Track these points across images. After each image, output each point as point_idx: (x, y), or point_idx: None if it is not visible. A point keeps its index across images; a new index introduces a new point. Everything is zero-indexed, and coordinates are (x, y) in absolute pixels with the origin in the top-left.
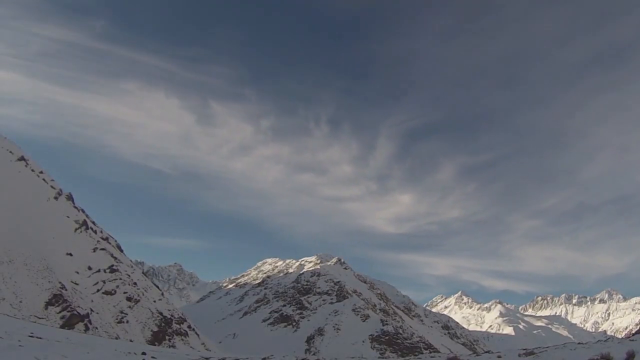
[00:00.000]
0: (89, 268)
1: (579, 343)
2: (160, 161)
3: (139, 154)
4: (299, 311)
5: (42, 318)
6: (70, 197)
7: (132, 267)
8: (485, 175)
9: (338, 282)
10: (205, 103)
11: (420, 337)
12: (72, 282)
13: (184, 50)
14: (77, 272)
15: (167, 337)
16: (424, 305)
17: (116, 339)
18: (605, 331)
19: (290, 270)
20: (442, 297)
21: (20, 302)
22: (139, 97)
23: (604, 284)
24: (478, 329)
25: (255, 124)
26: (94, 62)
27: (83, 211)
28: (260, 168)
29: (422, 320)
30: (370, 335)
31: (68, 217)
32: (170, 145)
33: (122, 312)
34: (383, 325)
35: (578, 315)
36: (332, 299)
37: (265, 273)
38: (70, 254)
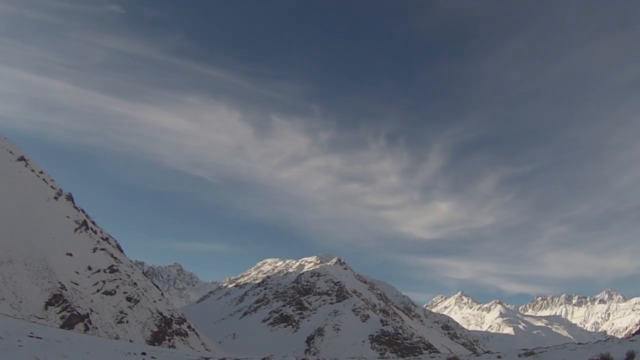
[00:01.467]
0: (89, 268)
1: (578, 343)
2: (205, 170)
3: (184, 163)
4: (298, 311)
5: (42, 318)
6: (70, 197)
7: (132, 267)
8: (523, 185)
9: (338, 282)
10: (267, 117)
11: (420, 337)
12: (72, 282)
13: (253, 66)
14: (77, 272)
15: (167, 337)
16: (424, 306)
17: (116, 339)
18: (605, 331)
19: (290, 271)
20: (442, 297)
21: (20, 302)
22: (200, 109)
23: (616, 286)
24: (478, 329)
25: (314, 137)
26: (159, 75)
27: (83, 211)
28: (308, 178)
29: (422, 321)
30: (370, 335)
31: (68, 217)
32: (221, 155)
33: (122, 312)
34: (383, 326)
35: (578, 316)
36: (332, 299)
37: (265, 273)
38: (70, 254)
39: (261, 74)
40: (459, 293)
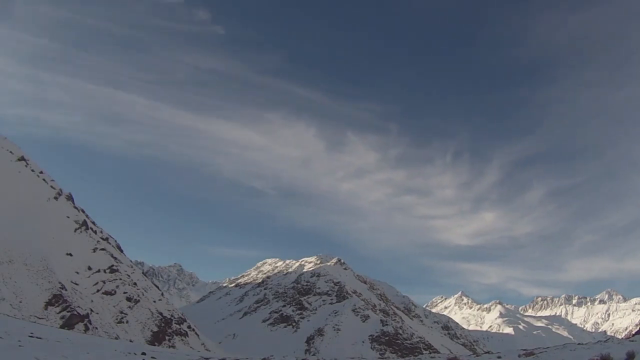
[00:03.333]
0: (89, 268)
1: (579, 343)
2: (263, 181)
3: (243, 174)
4: (298, 311)
5: (42, 318)
6: (70, 197)
7: (132, 267)
8: (567, 196)
9: (338, 282)
10: (343, 133)
11: (420, 337)
12: (72, 282)
13: (338, 85)
14: (77, 272)
15: (167, 338)
16: (424, 306)
17: (116, 339)
18: (605, 332)
19: (290, 271)
20: (442, 297)
21: (20, 302)
22: (278, 125)
23: (635, 286)
24: (478, 329)
25: (384, 153)
26: (242, 92)
27: (83, 211)
28: (367, 189)
29: (422, 321)
30: (370, 335)
31: (68, 217)
32: (285, 167)
33: (122, 312)
34: (383, 326)
35: (578, 316)
36: (332, 299)
37: (265, 273)
38: (70, 254)
39: (345, 94)
40: (459, 293)
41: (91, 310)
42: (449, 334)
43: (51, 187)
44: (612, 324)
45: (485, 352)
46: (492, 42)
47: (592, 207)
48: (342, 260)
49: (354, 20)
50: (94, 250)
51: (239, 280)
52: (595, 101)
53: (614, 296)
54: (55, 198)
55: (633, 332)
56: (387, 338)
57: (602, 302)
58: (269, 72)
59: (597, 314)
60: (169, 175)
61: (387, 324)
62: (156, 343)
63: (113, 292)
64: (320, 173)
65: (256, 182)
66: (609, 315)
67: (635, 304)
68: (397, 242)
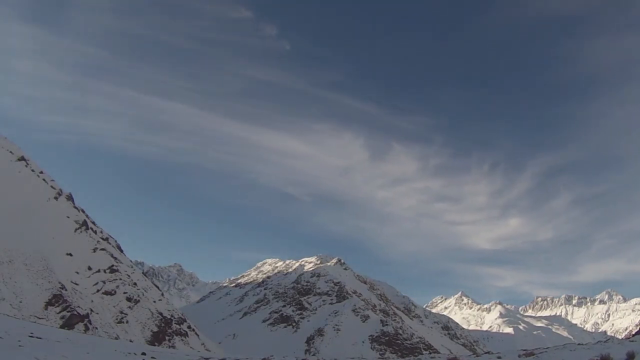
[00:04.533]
0: (89, 268)
1: (579, 344)
2: (299, 188)
3: (280, 181)
4: (299, 312)
5: (42, 318)
6: (70, 197)
7: (132, 267)
8: (590, 204)
9: (338, 282)
10: (388, 143)
11: (420, 337)
12: (72, 282)
13: (389, 98)
14: (77, 272)
15: (167, 338)
16: (424, 306)
17: (116, 339)
18: (605, 332)
19: (290, 271)
20: (442, 297)
21: (20, 302)
22: (326, 135)
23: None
24: (478, 329)
25: (424, 162)
26: (296, 104)
27: (83, 211)
28: (402, 196)
29: (422, 321)
30: (370, 335)
31: (68, 217)
32: (325, 176)
33: (122, 313)
34: (383, 326)
35: (578, 316)
36: (332, 299)
37: (265, 273)
38: (70, 254)
39: (395, 107)
40: (459, 293)
41: (91, 310)
42: (449, 334)
43: (51, 187)
44: (612, 324)
45: (485, 353)
46: (539, 63)
47: (612, 214)
48: (342, 261)
49: (411, 40)
50: (94, 250)
51: (239, 281)
52: (628, 118)
53: (614, 296)
54: (55, 198)
55: (633, 333)
56: (387, 338)
57: (602, 302)
58: (325, 85)
59: (597, 314)
60: (202, 181)
61: (387, 324)
62: (156, 343)
63: (113, 292)
64: (360, 181)
65: (292, 188)
66: (609, 315)
67: (635, 304)
68: (421, 246)
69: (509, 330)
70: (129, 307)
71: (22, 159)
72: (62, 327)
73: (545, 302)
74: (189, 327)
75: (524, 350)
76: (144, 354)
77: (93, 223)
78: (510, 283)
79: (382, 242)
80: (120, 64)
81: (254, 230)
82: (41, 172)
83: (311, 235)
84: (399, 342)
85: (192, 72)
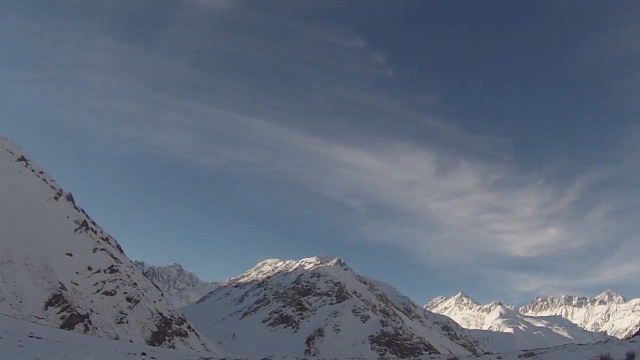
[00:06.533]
0: (89, 268)
1: (579, 344)
2: (359, 200)
3: (342, 193)
4: (298, 312)
5: (42, 318)
6: (70, 197)
7: (132, 267)
8: (623, 215)
9: (338, 283)
10: (457, 161)
11: (420, 338)
12: (72, 282)
13: (469, 119)
14: (77, 273)
15: (167, 338)
16: (424, 307)
17: (116, 339)
18: (605, 332)
19: (290, 271)
20: (442, 298)
21: (20, 302)
22: (401, 152)
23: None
24: (478, 329)
25: (484, 178)
26: (382, 125)
27: (83, 211)
28: (457, 208)
29: (422, 321)
30: (370, 336)
31: (68, 217)
32: (388, 189)
33: (122, 313)
34: (383, 326)
35: (578, 317)
36: (332, 299)
37: (265, 274)
38: (70, 254)
39: (470, 127)
40: (460, 294)
41: (91, 310)
42: (449, 334)
43: (51, 187)
44: (612, 325)
45: (485, 353)
46: (603, 91)
47: None
48: (342, 261)
49: (499, 70)
50: (94, 250)
51: (239, 281)
52: None
53: (614, 297)
54: (55, 198)
55: (633, 333)
56: (387, 338)
57: (602, 302)
58: (415, 108)
59: (597, 314)
60: (261, 191)
61: (387, 325)
62: (156, 343)
63: (113, 292)
64: (419, 194)
65: (351, 200)
66: (609, 315)
67: (635, 304)
68: (459, 252)
69: (509, 330)
70: (129, 307)
71: (22, 159)
72: (62, 327)
73: (545, 303)
74: (188, 327)
75: (524, 350)
76: (144, 354)
77: (93, 223)
78: (532, 288)
79: (422, 248)
80: (203, 80)
81: (297, 236)
82: (41, 172)
83: (352, 241)
84: (398, 342)
85: (281, 90)
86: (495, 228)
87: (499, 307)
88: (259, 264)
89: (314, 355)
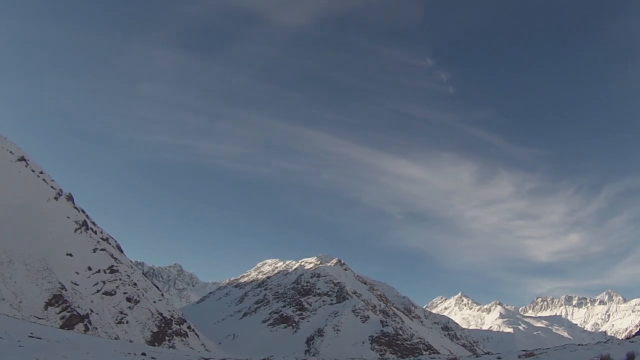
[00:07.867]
0: (89, 268)
1: (579, 344)
2: (397, 207)
3: (380, 201)
4: (298, 312)
5: (42, 318)
6: (70, 198)
7: (132, 267)
8: None
9: (338, 283)
10: (496, 171)
11: (420, 338)
12: (72, 282)
13: (514, 132)
14: (77, 273)
15: (166, 338)
16: (424, 307)
17: (116, 339)
18: (605, 332)
19: (290, 271)
20: (442, 298)
21: (20, 302)
22: (447, 162)
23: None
24: (478, 330)
25: (520, 187)
26: (432, 135)
27: (83, 211)
28: (488, 215)
29: (422, 322)
30: (370, 336)
31: (68, 217)
32: (427, 197)
33: (122, 313)
34: (383, 327)
35: (578, 317)
36: (332, 300)
37: (265, 274)
38: (70, 255)
39: (514, 139)
40: (459, 294)
41: (91, 310)
42: (448, 334)
43: (51, 187)
44: (612, 325)
45: (485, 353)
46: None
47: None
48: (342, 261)
49: (552, 86)
50: (94, 250)
51: (239, 281)
52: None
53: (614, 297)
54: (56, 198)
55: (633, 333)
56: (387, 339)
57: (602, 303)
58: (468, 122)
59: (597, 314)
60: (298, 197)
61: (387, 325)
62: (156, 343)
63: (113, 292)
64: (456, 202)
65: (390, 207)
66: (609, 316)
67: (635, 305)
68: (483, 257)
69: (509, 330)
70: (129, 308)
71: (22, 159)
72: (62, 327)
73: (545, 303)
74: (188, 327)
75: (524, 350)
76: (144, 354)
77: (93, 223)
78: (544, 290)
79: (448, 252)
80: (265, 92)
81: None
82: (41, 172)
83: (382, 247)
84: (398, 342)
85: (342, 104)
86: (523, 234)
87: (499, 308)
88: (259, 264)
89: (314, 355)
